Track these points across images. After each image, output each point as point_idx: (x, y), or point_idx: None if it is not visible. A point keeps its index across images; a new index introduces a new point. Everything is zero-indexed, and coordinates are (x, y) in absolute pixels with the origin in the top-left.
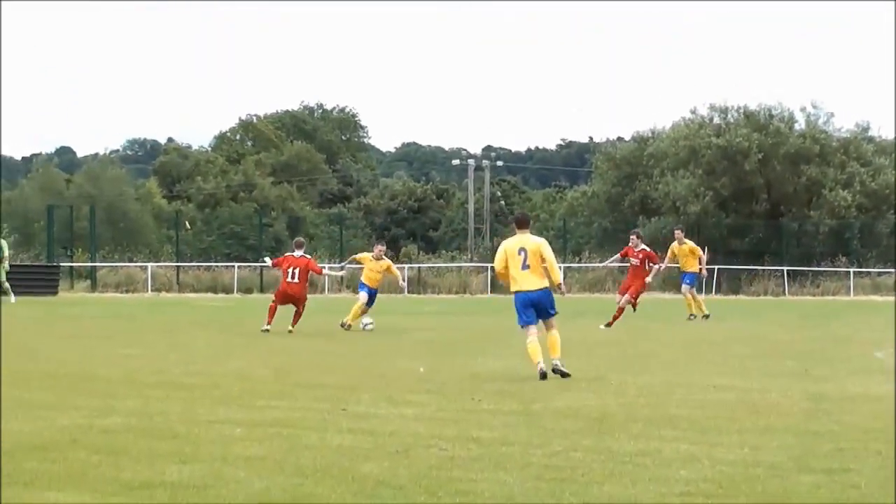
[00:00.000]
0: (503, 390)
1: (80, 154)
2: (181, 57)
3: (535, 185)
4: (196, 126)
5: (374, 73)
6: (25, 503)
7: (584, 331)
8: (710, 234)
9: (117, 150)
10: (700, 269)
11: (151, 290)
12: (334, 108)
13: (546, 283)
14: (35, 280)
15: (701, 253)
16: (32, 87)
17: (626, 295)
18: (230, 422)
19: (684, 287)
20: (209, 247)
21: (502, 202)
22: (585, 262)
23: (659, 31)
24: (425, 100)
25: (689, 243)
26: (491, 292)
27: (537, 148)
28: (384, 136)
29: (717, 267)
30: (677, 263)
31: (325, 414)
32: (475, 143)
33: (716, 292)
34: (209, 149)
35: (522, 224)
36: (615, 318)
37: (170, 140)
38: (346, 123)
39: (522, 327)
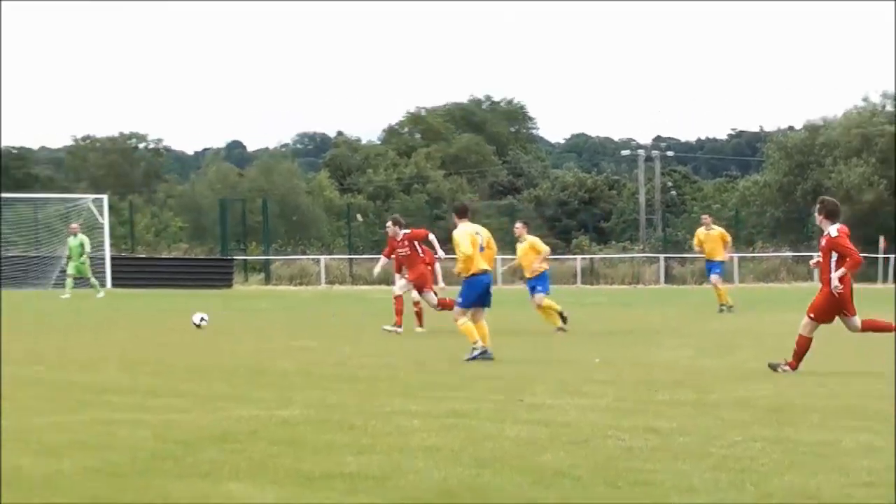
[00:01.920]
0: (678, 381)
1: (250, 149)
2: (349, 51)
3: (706, 175)
4: (364, 120)
5: (542, 65)
6: (205, 494)
7: (755, 321)
8: (885, 222)
9: (287, 144)
10: (726, 257)
11: (325, 283)
12: (502, 100)
13: None
14: (210, 273)
15: (728, 238)
16: (202, 82)
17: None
18: (407, 413)
19: (714, 277)
20: (381, 239)
21: (673, 192)
22: (758, 252)
23: (827, 16)
24: (593, 90)
25: (718, 229)
26: (665, 282)
27: (707, 138)
28: (552, 128)
29: (892, 256)
30: (702, 252)
31: (501, 405)
32: (644, 133)
33: (894, 280)
34: (378, 142)
35: (465, 213)
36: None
37: (339, 134)
38: (515, 115)
39: (465, 309)
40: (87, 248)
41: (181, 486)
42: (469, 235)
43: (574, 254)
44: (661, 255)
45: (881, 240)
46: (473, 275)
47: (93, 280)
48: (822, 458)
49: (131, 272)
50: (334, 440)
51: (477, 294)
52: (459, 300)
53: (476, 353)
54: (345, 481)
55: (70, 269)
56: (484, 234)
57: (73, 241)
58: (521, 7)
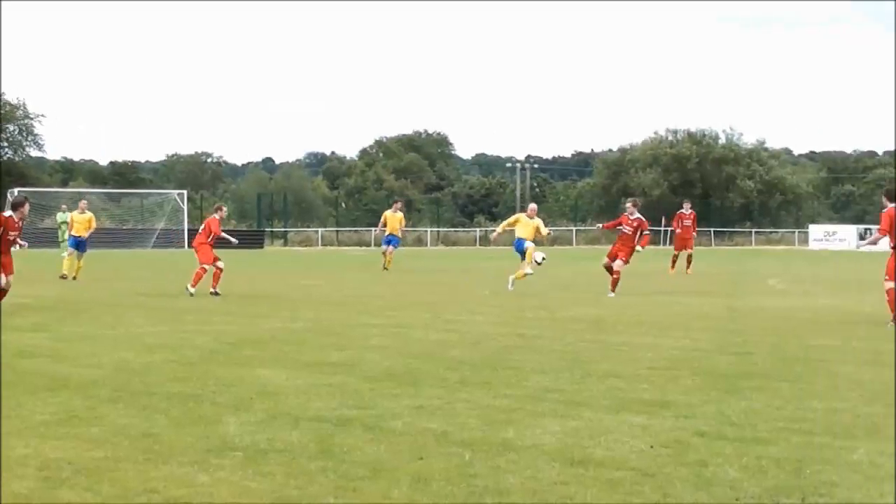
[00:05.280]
0: (539, 304)
1: (277, 161)
2: (338, 96)
3: (557, 179)
4: (348, 143)
5: (457, 106)
6: (242, 377)
7: (578, 270)
8: (666, 208)
9: (300, 159)
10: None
11: (321, 245)
12: (434, 132)
13: None
14: (249, 239)
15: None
16: (242, 112)
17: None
18: (368, 325)
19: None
20: (356, 218)
21: (537, 190)
22: (588, 226)
23: (642, 69)
24: (490, 122)
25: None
26: None
27: (559, 156)
28: (464, 148)
29: (669, 229)
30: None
31: (427, 319)
32: (520, 152)
33: (668, 244)
34: (356, 158)
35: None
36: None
37: (333, 153)
38: (440, 141)
39: None
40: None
41: (227, 371)
42: None
43: (474, 226)
44: (573, 227)
45: (662, 220)
46: None
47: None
48: (623, 352)
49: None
50: (324, 342)
51: None
52: None
53: None
54: (329, 367)
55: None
56: None
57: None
58: (448, 62)
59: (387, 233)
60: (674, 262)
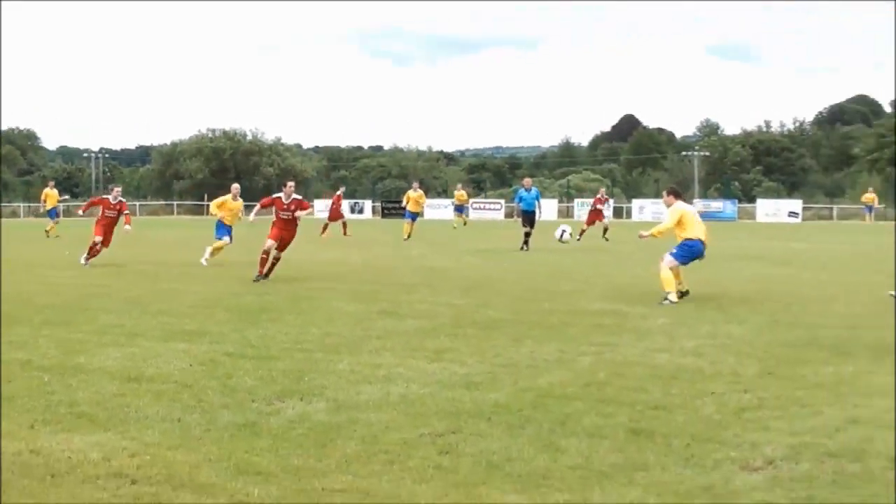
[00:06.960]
0: (109, 262)
1: None
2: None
3: (125, 166)
4: None
5: (43, 105)
6: None
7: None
8: (207, 188)
9: None
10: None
11: None
12: (24, 128)
13: None
14: None
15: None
16: None
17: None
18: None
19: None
20: None
21: (108, 174)
22: (147, 202)
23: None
24: (72, 116)
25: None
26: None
27: (125, 148)
28: (49, 141)
29: (207, 204)
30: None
31: (23, 276)
32: (96, 144)
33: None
34: None
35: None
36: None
37: None
38: (30, 136)
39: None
40: None
41: None
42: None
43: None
44: (137, 202)
45: (205, 196)
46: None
47: None
48: (173, 295)
49: None
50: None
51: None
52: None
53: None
54: (32, 322)
55: None
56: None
57: None
58: (35, 65)
59: (48, 208)
60: (324, 229)
